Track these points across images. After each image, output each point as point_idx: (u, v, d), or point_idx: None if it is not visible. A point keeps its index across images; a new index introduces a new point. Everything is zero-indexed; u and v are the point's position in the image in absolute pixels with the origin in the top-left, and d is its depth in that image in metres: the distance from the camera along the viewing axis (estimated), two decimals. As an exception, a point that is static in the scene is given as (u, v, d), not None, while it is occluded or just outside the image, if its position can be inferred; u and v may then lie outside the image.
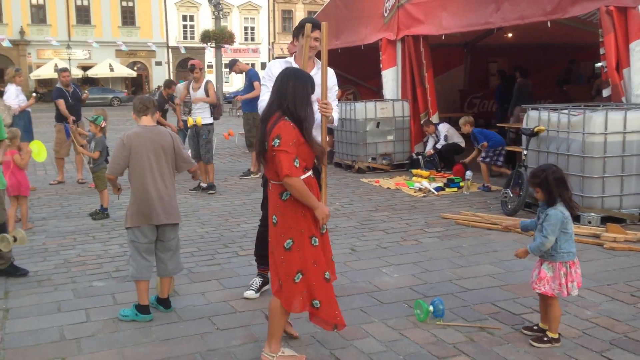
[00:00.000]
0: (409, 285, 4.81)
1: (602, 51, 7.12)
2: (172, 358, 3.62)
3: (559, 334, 3.70)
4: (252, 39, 49.69)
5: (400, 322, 4.07)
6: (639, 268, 5.13)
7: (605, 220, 6.41)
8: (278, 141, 3.23)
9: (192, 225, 6.94)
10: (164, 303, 4.34)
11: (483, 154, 8.98)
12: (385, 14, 11.09)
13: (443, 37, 9.97)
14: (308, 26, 4.23)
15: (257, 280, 4.66)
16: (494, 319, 4.09)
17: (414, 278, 4.97)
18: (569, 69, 14.45)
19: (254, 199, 8.36)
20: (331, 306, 3.42)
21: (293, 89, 3.36)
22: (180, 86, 10.77)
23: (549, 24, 8.00)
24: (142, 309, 4.17)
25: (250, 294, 4.56)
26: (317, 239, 3.38)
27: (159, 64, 46.42)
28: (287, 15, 50.28)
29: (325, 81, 4.20)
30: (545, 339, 3.67)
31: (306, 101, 3.37)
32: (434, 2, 9.88)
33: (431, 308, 4.08)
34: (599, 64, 8.98)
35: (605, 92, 7.24)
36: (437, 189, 8.61)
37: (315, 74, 4.26)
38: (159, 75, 44.18)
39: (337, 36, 12.23)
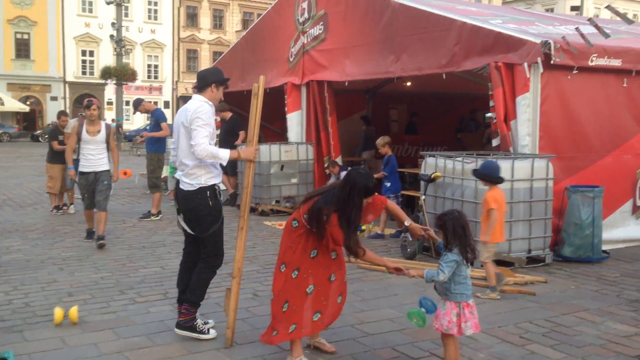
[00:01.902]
0: (311, 331, 4.78)
1: (491, 103, 7.61)
2: (58, 417, 3.38)
3: (456, 376, 3.80)
4: (156, 77, 48.82)
5: (302, 370, 4.04)
6: (527, 310, 5.42)
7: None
8: (326, 218, 3.97)
9: (86, 271, 6.59)
10: None
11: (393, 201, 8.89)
12: (291, 59, 11.32)
13: (346, 84, 10.29)
14: (255, 86, 4.47)
15: (200, 321, 4.65)
16: (393, 364, 4.15)
17: (316, 323, 4.95)
18: (461, 118, 15.28)
19: (154, 242, 8.09)
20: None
21: (349, 197, 3.98)
22: (73, 122, 9.98)
23: (444, 76, 8.49)
24: None
25: (213, 333, 4.64)
26: (297, 273, 4.14)
27: (54, 98, 44.33)
28: (192, 55, 50.02)
29: (258, 127, 4.53)
30: (443, 381, 3.75)
31: (354, 205, 4.00)
32: (338, 50, 10.21)
33: (423, 310, 3.87)
34: (489, 114, 9.57)
35: (495, 142, 7.69)
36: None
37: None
38: (54, 111, 42.09)
39: (243, 78, 12.31)
